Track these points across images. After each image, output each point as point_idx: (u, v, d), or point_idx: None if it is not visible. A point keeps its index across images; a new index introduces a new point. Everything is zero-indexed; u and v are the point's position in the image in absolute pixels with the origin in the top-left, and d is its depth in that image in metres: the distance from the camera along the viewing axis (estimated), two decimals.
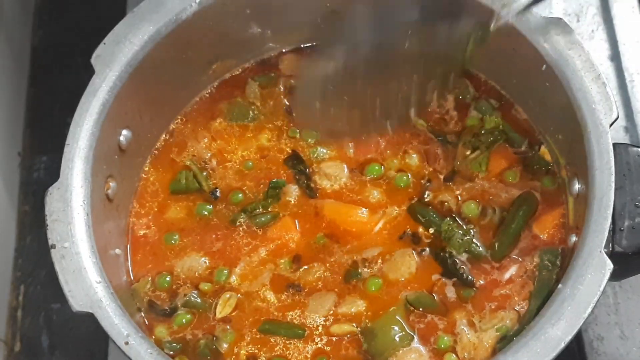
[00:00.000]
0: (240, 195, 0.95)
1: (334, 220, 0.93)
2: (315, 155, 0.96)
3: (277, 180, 0.95)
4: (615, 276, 0.80)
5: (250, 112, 0.99)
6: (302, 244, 0.92)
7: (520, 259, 0.90)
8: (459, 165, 0.95)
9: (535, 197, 0.92)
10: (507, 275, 0.89)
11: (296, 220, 0.93)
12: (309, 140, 0.97)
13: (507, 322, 0.87)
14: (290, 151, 0.97)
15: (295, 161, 0.96)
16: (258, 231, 0.93)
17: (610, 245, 0.80)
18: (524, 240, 0.91)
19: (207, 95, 1.01)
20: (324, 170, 0.96)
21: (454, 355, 0.86)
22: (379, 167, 0.95)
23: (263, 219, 0.93)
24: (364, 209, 0.93)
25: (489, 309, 0.88)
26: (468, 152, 0.95)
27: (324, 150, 0.97)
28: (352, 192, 0.95)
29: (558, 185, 0.92)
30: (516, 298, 0.88)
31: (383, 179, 0.95)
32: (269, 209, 0.94)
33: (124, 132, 0.91)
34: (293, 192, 0.95)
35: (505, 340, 0.85)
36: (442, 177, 0.95)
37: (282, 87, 1.01)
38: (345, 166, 0.96)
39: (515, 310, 0.87)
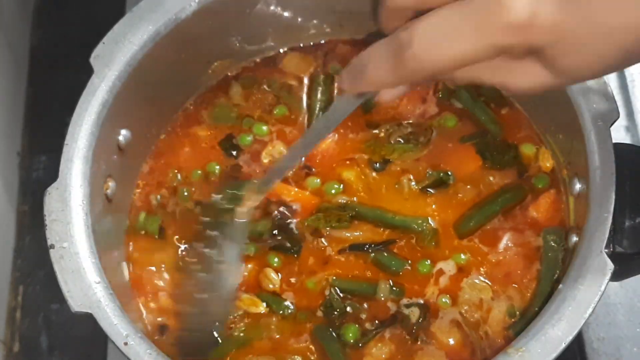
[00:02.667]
0: None
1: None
2: (245, 141, 0.97)
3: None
4: (616, 276, 0.80)
5: (234, 113, 0.99)
6: None
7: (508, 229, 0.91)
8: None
9: (523, 192, 0.92)
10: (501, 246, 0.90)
11: None
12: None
13: (515, 299, 0.87)
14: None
15: (229, 144, 0.97)
16: None
17: (611, 245, 0.80)
18: (513, 219, 0.91)
19: (198, 98, 1.01)
20: (270, 151, 0.96)
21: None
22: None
23: None
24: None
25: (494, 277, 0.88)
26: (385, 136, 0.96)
27: (249, 138, 0.97)
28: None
29: (550, 184, 0.92)
30: (522, 275, 0.88)
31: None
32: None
33: (123, 132, 0.91)
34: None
35: (518, 324, 0.85)
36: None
37: (278, 86, 1.01)
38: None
39: (522, 290, 0.88)
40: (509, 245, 0.90)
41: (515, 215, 0.91)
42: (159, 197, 0.95)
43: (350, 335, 0.86)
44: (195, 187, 0.95)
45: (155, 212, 0.94)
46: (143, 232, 0.93)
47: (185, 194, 0.94)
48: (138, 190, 0.96)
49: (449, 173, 0.93)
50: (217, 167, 0.96)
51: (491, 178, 0.93)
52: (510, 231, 0.90)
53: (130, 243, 0.93)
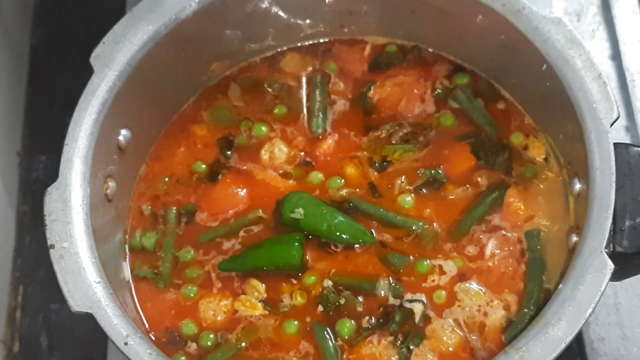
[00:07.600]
0: None
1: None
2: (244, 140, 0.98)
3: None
4: (616, 276, 0.80)
5: (233, 114, 0.99)
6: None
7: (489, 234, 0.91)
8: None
9: (506, 185, 0.92)
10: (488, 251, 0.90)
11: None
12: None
13: (511, 303, 0.87)
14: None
15: (225, 142, 0.98)
16: None
17: (611, 245, 0.80)
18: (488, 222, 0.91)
19: (198, 98, 1.01)
20: (269, 147, 0.96)
21: None
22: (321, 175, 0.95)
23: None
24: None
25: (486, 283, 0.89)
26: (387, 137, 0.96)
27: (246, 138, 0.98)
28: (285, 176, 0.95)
29: (535, 175, 0.93)
30: (513, 277, 0.88)
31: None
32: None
33: (123, 131, 0.91)
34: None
35: (512, 328, 0.85)
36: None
37: (277, 86, 1.01)
38: (286, 149, 0.96)
39: (514, 294, 0.87)
40: (495, 251, 0.90)
41: (491, 219, 0.91)
42: (149, 207, 0.95)
43: (345, 330, 0.86)
44: (180, 191, 0.95)
45: (150, 223, 0.94)
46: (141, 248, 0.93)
47: (174, 212, 0.94)
48: (131, 203, 0.95)
49: (440, 171, 0.93)
50: (203, 165, 0.96)
51: (479, 179, 0.93)
52: (492, 235, 0.90)
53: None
